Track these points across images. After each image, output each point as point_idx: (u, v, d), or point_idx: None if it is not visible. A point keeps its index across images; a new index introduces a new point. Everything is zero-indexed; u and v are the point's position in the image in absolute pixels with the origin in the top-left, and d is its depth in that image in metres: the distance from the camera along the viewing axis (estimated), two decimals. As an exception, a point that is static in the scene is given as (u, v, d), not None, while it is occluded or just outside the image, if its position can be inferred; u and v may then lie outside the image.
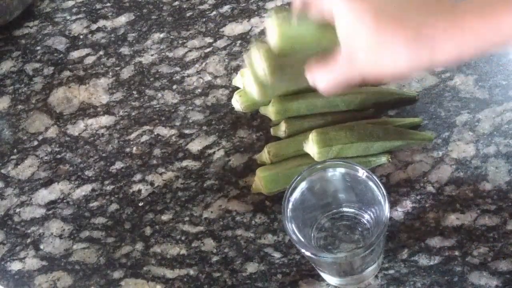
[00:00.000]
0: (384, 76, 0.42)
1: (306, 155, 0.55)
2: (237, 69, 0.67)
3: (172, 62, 0.69)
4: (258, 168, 0.57)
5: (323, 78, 0.44)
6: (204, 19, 0.72)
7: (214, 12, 0.72)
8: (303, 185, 0.47)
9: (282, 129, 0.58)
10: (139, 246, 0.57)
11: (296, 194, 0.47)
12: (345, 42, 0.41)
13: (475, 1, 0.37)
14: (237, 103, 0.60)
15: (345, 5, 0.40)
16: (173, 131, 0.64)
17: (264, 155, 0.57)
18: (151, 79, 0.68)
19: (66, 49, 0.73)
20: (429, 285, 0.51)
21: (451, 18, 0.38)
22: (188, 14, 0.73)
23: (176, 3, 0.74)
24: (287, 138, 0.58)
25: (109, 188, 0.61)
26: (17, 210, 0.62)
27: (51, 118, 0.68)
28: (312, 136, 0.54)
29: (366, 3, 0.39)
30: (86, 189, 0.62)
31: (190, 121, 0.64)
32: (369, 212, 0.49)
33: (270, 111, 0.59)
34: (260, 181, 0.56)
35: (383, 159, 0.56)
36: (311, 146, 0.54)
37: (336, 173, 0.48)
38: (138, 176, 0.62)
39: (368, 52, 0.40)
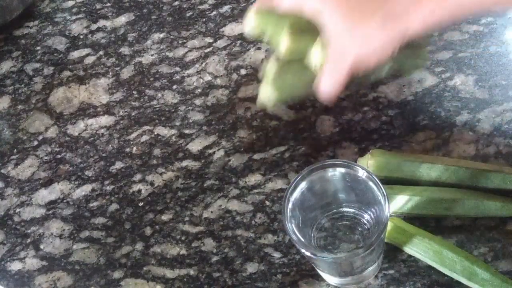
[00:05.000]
0: (371, 59, 0.45)
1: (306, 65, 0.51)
2: (237, 69, 0.67)
3: (172, 62, 0.69)
4: (262, 82, 0.51)
5: (326, 83, 0.48)
6: (204, 19, 0.72)
7: (214, 12, 0.72)
8: (303, 185, 0.47)
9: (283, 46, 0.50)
10: (139, 246, 0.57)
11: (296, 194, 0.47)
12: (334, 39, 0.45)
13: None
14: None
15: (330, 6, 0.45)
16: (173, 131, 0.64)
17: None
18: (151, 79, 0.68)
19: (66, 49, 0.73)
20: (429, 285, 0.51)
21: None
22: (188, 14, 0.73)
23: (176, 3, 0.74)
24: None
25: (109, 188, 0.61)
26: (17, 210, 0.62)
27: (51, 118, 0.68)
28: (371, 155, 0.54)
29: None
30: (86, 189, 0.62)
31: (190, 121, 0.64)
32: (369, 212, 0.49)
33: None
34: (266, 94, 0.51)
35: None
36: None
37: (336, 173, 0.48)
38: (138, 176, 0.62)
39: (351, 37, 0.44)
